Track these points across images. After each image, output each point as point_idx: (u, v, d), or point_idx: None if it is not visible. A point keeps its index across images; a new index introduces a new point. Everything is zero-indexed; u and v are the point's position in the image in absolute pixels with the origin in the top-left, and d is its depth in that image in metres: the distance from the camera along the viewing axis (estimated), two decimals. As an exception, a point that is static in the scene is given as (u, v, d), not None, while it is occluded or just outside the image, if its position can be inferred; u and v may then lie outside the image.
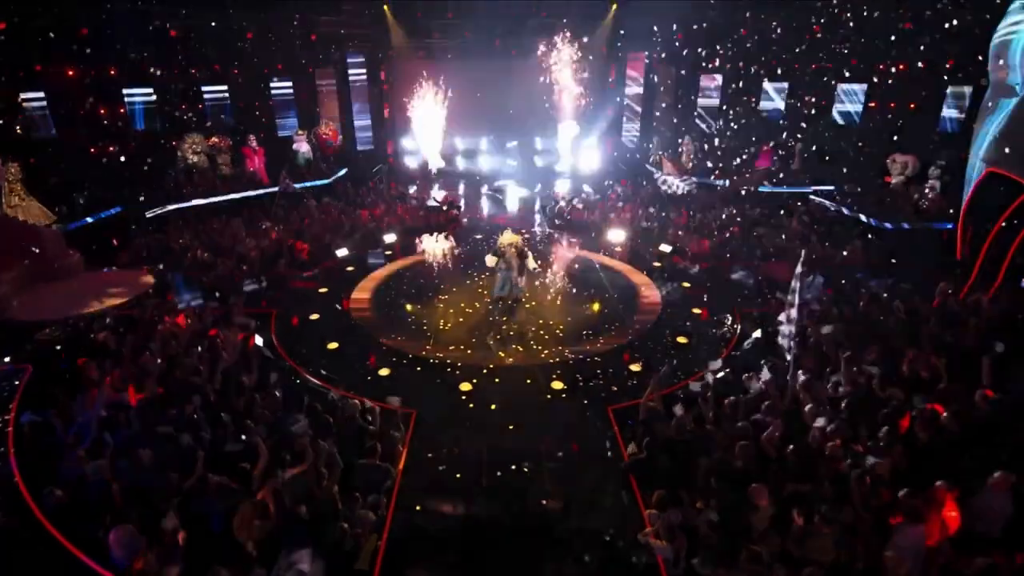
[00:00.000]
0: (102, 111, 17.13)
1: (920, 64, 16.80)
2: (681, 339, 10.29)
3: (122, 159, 16.91)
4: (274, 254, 13.54)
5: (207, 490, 5.85)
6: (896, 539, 5.32)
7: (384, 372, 9.22)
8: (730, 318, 11.01)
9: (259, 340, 9.67)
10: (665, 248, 14.37)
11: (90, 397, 7.25)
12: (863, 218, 14.71)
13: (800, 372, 7.75)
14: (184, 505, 5.74)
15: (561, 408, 8.36)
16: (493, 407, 8.33)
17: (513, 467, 7.11)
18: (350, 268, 13.73)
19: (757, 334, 9.85)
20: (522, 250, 11.57)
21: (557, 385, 8.89)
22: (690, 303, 11.78)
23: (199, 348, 8.72)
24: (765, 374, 7.90)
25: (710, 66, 20.59)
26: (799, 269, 7.24)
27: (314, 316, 11.25)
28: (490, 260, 11.54)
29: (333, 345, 10.12)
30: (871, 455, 6.21)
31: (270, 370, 8.62)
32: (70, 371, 7.88)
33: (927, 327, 8.68)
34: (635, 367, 9.33)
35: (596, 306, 10.44)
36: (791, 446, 6.43)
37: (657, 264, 13.87)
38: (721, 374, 8.66)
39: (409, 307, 11.02)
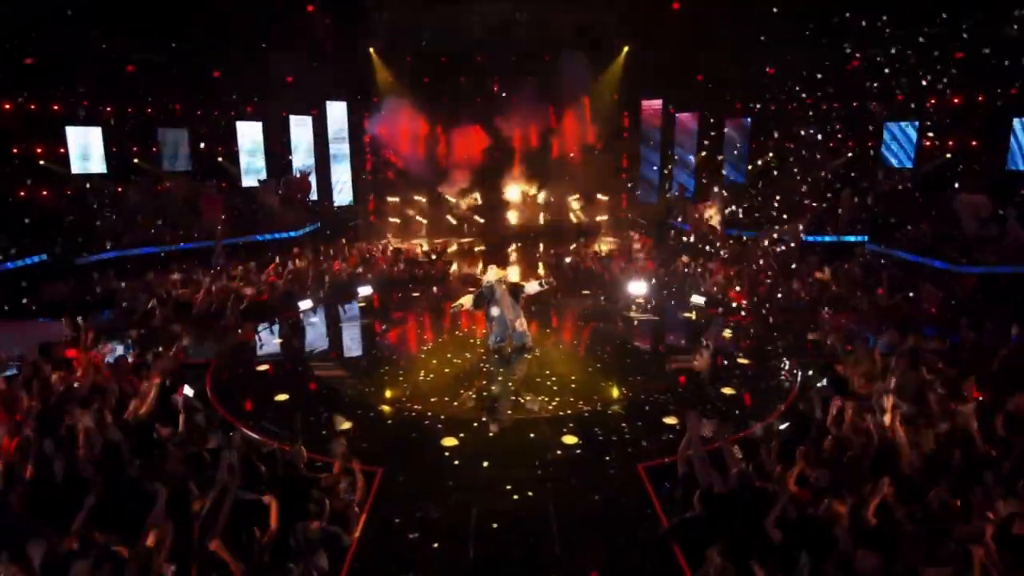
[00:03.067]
0: (39, 150, 17.04)
1: (979, 96, 16.90)
2: (726, 389, 9.37)
3: (56, 202, 16.60)
4: (220, 303, 12.99)
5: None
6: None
7: (345, 425, 8.17)
8: (787, 363, 10.30)
9: (188, 390, 8.80)
10: (698, 300, 13.80)
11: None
12: (933, 263, 14.22)
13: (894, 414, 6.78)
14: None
15: (575, 465, 7.31)
16: (486, 464, 7.24)
17: (511, 535, 6.00)
18: (314, 320, 13.10)
19: (823, 383, 8.96)
20: (514, 285, 10.85)
21: (570, 440, 7.82)
22: (732, 354, 11.06)
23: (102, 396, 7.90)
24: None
25: (736, 107, 20.86)
26: None
27: (263, 367, 10.61)
28: (466, 300, 10.82)
29: (282, 396, 9.20)
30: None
31: (197, 421, 7.74)
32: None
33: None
34: (670, 420, 8.33)
35: (615, 390, 9.53)
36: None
37: (689, 315, 13.37)
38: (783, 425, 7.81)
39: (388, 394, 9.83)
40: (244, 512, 5.50)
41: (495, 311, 10.79)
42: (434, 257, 16.81)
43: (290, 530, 5.46)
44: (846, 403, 7.17)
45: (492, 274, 10.80)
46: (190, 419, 7.89)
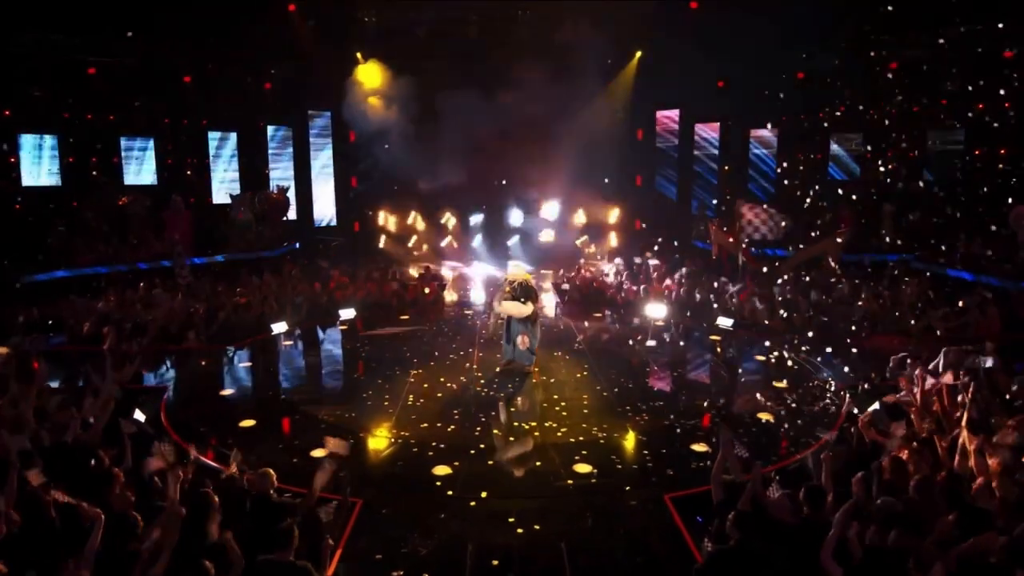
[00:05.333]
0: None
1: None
2: (764, 415, 9.08)
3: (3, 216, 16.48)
4: (182, 324, 12.93)
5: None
6: None
7: (319, 453, 7.80)
8: (832, 384, 10.16)
9: (140, 415, 8.52)
10: (725, 322, 13.54)
11: None
12: (989, 281, 14.01)
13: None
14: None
15: (588, 496, 6.95)
16: (484, 495, 6.84)
17: (514, 572, 5.60)
18: (288, 343, 12.96)
19: (876, 406, 8.64)
20: (528, 288, 10.54)
21: (583, 468, 7.44)
22: (769, 379, 10.87)
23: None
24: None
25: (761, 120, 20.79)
26: None
27: (226, 392, 10.39)
28: (509, 306, 10.43)
29: (248, 422, 8.90)
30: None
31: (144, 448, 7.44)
32: None
33: None
34: (699, 447, 7.97)
35: (634, 417, 9.17)
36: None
37: (715, 338, 13.25)
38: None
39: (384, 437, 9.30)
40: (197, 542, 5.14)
41: (502, 316, 10.51)
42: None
43: (251, 563, 5.08)
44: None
45: (514, 269, 10.38)
46: (138, 445, 7.65)
